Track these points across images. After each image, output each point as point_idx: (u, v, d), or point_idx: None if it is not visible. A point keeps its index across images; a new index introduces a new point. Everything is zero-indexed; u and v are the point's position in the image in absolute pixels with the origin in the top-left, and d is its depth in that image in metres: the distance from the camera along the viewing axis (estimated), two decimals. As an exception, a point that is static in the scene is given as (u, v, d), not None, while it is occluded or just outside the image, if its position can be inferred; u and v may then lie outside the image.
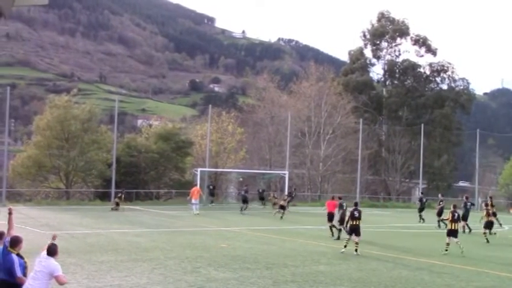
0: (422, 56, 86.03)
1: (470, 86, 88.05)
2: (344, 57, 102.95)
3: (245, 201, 44.59)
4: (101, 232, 27.15)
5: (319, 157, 68.60)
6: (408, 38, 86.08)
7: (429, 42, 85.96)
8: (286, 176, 56.02)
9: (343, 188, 68.38)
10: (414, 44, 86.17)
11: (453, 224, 24.06)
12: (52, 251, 10.05)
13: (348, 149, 68.81)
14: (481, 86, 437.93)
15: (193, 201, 41.57)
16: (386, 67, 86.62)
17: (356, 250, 22.35)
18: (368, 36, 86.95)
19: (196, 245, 23.52)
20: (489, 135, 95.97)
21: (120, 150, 53.35)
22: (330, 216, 28.79)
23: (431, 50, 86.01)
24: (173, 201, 53.08)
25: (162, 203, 51.62)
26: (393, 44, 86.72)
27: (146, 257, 19.61)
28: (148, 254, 20.24)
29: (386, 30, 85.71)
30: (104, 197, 49.89)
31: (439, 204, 37.90)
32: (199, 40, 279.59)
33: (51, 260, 9.93)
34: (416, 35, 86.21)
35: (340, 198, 29.49)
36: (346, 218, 25.06)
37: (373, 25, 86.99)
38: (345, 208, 27.27)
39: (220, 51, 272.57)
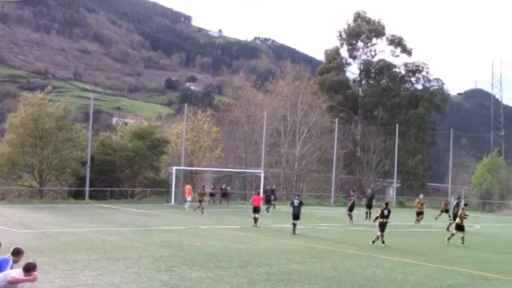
0: (397, 56, 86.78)
1: (445, 87, 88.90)
2: (320, 56, 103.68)
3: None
4: (74, 231, 26.94)
5: (295, 156, 68.73)
6: (384, 38, 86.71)
7: (404, 42, 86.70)
8: (262, 175, 56.07)
9: (318, 187, 68.66)
10: (390, 44, 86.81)
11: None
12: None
13: (323, 148, 69.04)
14: (455, 87, 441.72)
15: (186, 198, 45.34)
16: (362, 67, 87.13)
17: (383, 242, 25.70)
18: (344, 36, 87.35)
19: (171, 243, 23.44)
20: (462, 135, 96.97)
21: (95, 149, 52.95)
22: (256, 209, 33.28)
23: (406, 50, 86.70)
24: (148, 200, 52.83)
25: (136, 202, 51.32)
26: (369, 44, 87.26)
27: (120, 255, 19.49)
28: (122, 253, 20.12)
29: (362, 30, 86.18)
30: (78, 195, 49.50)
31: (350, 200, 39.59)
32: (175, 38, 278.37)
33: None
34: (392, 35, 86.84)
35: (298, 195, 33.28)
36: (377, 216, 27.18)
37: (349, 25, 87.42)
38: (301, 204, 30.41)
39: (197, 50, 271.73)
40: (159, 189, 54.94)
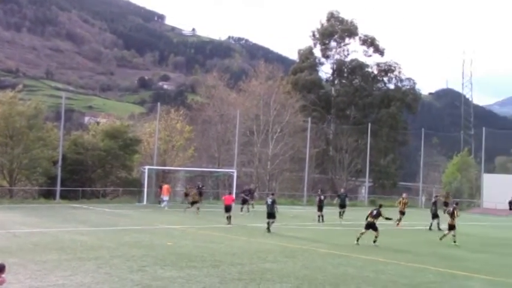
0: (370, 56, 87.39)
1: (416, 86, 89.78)
2: (294, 56, 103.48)
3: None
4: (45, 231, 26.68)
5: (268, 155, 68.85)
6: (357, 38, 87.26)
7: (377, 42, 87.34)
8: (235, 174, 56.10)
9: (291, 186, 68.88)
10: (362, 44, 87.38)
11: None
12: None
13: (296, 147, 69.26)
14: (426, 86, 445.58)
15: (163, 197, 46.16)
16: (335, 66, 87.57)
17: (375, 242, 26.00)
18: (317, 36, 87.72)
19: (143, 243, 23.34)
20: (433, 134, 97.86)
21: (67, 148, 52.49)
22: (227, 208, 34.27)
23: (379, 50, 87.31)
24: (120, 200, 52.51)
25: (108, 201, 51.00)
26: (342, 44, 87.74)
27: (91, 255, 19.36)
28: (93, 253, 19.99)
29: (336, 30, 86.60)
30: (48, 195, 49.00)
31: (318, 199, 39.22)
32: (148, 37, 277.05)
33: None
34: (365, 35, 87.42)
35: (272, 194, 33.87)
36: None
37: (322, 25, 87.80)
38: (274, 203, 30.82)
39: (170, 49, 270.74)
40: (131, 189, 54.65)
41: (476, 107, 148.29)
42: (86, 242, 23.06)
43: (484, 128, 72.11)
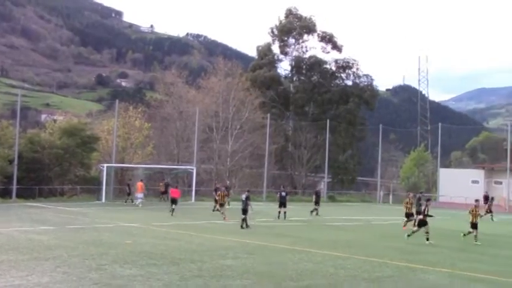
0: (328, 52, 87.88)
1: (374, 83, 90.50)
2: (252, 53, 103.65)
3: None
4: (0, 230, 26.22)
5: (227, 152, 68.86)
6: (315, 34, 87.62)
7: (335, 39, 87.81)
8: (194, 171, 56.02)
9: (251, 183, 68.91)
10: (321, 41, 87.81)
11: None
12: None
13: (255, 144, 69.40)
14: (384, 83, 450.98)
15: (137, 195, 46.30)
16: (293, 63, 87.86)
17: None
18: (276, 33, 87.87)
19: (102, 242, 23.11)
20: (391, 130, 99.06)
21: (23, 146, 51.69)
22: (173, 200, 37.70)
23: (337, 47, 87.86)
24: (78, 198, 51.95)
25: (66, 200, 50.41)
26: (300, 41, 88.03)
27: (49, 255, 19.09)
28: (51, 252, 19.71)
29: (294, 26, 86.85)
30: (4, 194, 48.20)
31: (281, 195, 38.72)
32: (106, 34, 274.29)
33: None
34: (323, 32, 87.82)
35: (248, 191, 32.87)
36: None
37: (281, 21, 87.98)
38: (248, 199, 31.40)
39: (128, 46, 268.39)
40: (89, 187, 54.14)
41: (433, 103, 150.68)
42: (43, 241, 22.73)
43: (440, 124, 73.26)
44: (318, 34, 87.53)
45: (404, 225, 33.23)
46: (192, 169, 56.81)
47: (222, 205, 35.90)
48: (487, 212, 43.91)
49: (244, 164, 70.59)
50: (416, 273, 18.04)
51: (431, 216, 27.00)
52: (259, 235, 27.45)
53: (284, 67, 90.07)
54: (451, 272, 18.43)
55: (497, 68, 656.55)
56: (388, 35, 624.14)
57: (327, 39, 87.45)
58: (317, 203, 42.03)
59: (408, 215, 33.88)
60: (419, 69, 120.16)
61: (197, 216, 37.80)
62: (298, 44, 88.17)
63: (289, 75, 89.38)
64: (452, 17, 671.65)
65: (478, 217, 27.90)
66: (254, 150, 70.09)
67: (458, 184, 67.27)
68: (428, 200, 28.90)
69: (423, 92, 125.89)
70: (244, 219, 30.53)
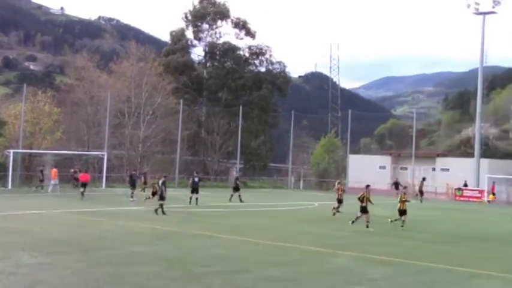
0: (242, 38, 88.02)
1: (287, 69, 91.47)
2: (166, 37, 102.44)
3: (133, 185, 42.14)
4: None
5: (139, 138, 68.18)
6: (229, 20, 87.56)
7: (249, 25, 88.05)
8: (105, 157, 55.26)
9: (163, 169, 68.53)
10: (234, 27, 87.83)
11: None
12: None
13: (168, 129, 69.00)
14: (296, 69, 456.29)
15: (51, 181, 46.02)
16: (207, 49, 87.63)
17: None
18: (189, 18, 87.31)
19: (7, 229, 22.56)
20: (303, 116, 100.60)
21: None
22: (83, 184, 39.60)
23: (250, 33, 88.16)
24: (-17, 185, 50.27)
25: (-30, 187, 48.70)
26: (214, 26, 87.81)
27: (-49, 244, 18.51)
28: (-47, 241, 19.11)
29: (208, 12, 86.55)
30: None
31: (193, 181, 38.71)
32: (13, 15, 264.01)
33: None
34: (237, 18, 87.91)
35: (165, 176, 32.75)
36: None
37: (195, 7, 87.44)
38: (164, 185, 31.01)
39: (37, 28, 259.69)
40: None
41: (343, 90, 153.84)
42: None
43: (350, 111, 75.00)
44: (232, 20, 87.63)
45: (334, 211, 33.53)
46: (103, 155, 56.01)
47: (154, 194, 34.68)
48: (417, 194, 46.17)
49: (157, 149, 70.12)
50: (324, 257, 18.55)
51: (408, 201, 27.89)
52: (171, 221, 27.46)
53: (198, 53, 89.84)
54: (359, 255, 19.02)
55: (404, 57, 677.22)
56: (300, 22, 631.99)
57: (241, 25, 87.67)
58: (237, 188, 42.36)
59: (339, 201, 33.98)
60: (330, 56, 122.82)
61: (108, 202, 37.39)
62: (212, 29, 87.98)
63: (203, 61, 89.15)
64: (362, 6, 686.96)
65: (406, 203, 27.98)
66: (166, 136, 69.68)
67: (367, 170, 69.25)
68: (404, 187, 29.60)
69: (334, 79, 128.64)
70: (161, 205, 30.26)
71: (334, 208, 33.67)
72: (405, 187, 30.60)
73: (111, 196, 43.47)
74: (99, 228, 24.16)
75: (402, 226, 27.44)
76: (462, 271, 16.81)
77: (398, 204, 27.96)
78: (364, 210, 26.98)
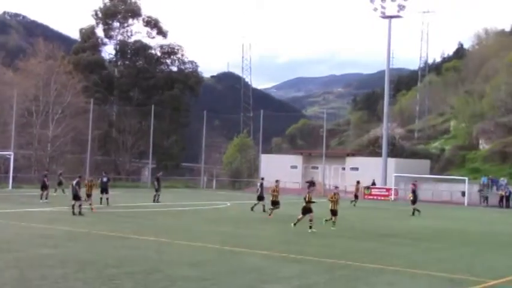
0: (153, 37, 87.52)
1: (199, 69, 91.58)
2: (75, 35, 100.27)
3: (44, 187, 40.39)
4: None
5: (48, 137, 66.52)
6: (140, 19, 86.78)
7: (160, 24, 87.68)
8: (11, 157, 53.55)
9: (73, 169, 67.12)
10: (146, 26, 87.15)
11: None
12: None
13: (78, 129, 67.66)
14: (208, 69, 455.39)
15: None
16: (118, 47, 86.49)
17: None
18: (100, 15, 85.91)
19: None
20: (215, 116, 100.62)
21: None
22: None
23: (162, 32, 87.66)
24: None
25: None
26: (125, 25, 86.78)
27: None
28: None
29: (119, 10, 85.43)
30: None
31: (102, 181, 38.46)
32: None
33: None
34: (148, 17, 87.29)
35: (80, 177, 32.42)
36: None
37: (105, 4, 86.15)
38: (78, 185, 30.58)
39: None
40: None
41: (255, 90, 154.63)
42: None
43: (262, 111, 75.66)
44: (143, 19, 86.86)
45: (270, 214, 33.11)
46: (10, 155, 54.24)
47: (89, 196, 33.40)
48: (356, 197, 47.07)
49: (66, 149, 68.61)
50: (238, 256, 18.61)
51: (314, 202, 27.01)
52: (81, 222, 26.89)
53: (108, 51, 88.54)
54: (272, 254, 19.15)
55: (315, 58, 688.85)
56: (213, 22, 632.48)
57: (152, 24, 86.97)
58: (158, 189, 41.95)
59: (274, 203, 33.56)
60: (242, 56, 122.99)
61: (15, 203, 36.21)
62: (123, 28, 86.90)
63: (114, 59, 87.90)
64: (274, 6, 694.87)
65: (337, 204, 27.74)
66: (76, 136, 68.28)
67: (279, 169, 69.79)
68: (336, 187, 29.18)
69: (246, 80, 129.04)
70: (80, 206, 29.88)
71: (270, 209, 33.37)
72: (337, 187, 30.80)
73: (19, 197, 42.11)
74: (6, 230, 23.37)
75: (333, 227, 27.19)
76: (372, 267, 17.24)
77: (330, 204, 27.70)
78: (306, 210, 26.32)
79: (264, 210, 35.50)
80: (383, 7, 65.39)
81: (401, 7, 65.11)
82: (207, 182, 75.88)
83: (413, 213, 38.55)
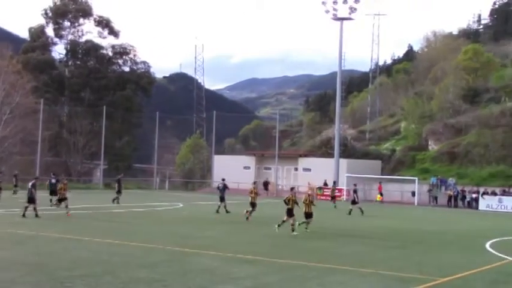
0: (105, 37, 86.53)
1: (151, 69, 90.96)
2: (24, 34, 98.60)
3: None
4: None
5: (-4, 138, 65.23)
6: (91, 18, 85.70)
7: (112, 24, 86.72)
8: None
9: (23, 170, 65.94)
10: (97, 25, 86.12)
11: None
12: None
13: (27, 129, 66.51)
14: (161, 70, 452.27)
15: None
16: (69, 47, 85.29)
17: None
18: (50, 14, 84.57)
19: None
20: (168, 117, 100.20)
21: None
22: None
23: (114, 32, 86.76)
24: None
25: None
26: (76, 24, 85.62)
27: None
28: None
29: (69, 9, 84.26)
30: None
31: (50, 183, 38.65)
32: None
33: None
34: (100, 16, 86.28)
35: (36, 178, 32.31)
36: None
37: (55, 3, 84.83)
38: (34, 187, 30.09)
39: None
40: None
41: (208, 91, 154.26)
42: None
43: (214, 112, 75.62)
44: (95, 18, 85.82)
45: (248, 216, 32.04)
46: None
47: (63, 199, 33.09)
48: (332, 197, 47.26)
49: (15, 150, 67.35)
50: (189, 257, 18.58)
51: (314, 205, 26.80)
52: (30, 224, 26.46)
53: (59, 51, 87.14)
54: (224, 255, 19.18)
55: (268, 60, 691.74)
56: (165, 22, 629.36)
57: (104, 23, 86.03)
58: (119, 191, 41.54)
59: (253, 205, 32.43)
60: (195, 57, 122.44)
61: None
62: (74, 27, 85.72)
63: (65, 59, 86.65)
64: (227, 8, 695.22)
65: (312, 206, 26.77)
66: (26, 137, 67.13)
67: (231, 170, 69.89)
68: (292, 188, 27.78)
69: (199, 80, 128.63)
70: (35, 209, 29.53)
71: (247, 212, 32.16)
72: (293, 188, 30.14)
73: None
74: (-49, 233, 22.86)
75: (306, 229, 26.53)
76: (322, 267, 17.43)
77: (304, 207, 26.63)
78: (290, 213, 25.68)
79: (226, 212, 35.64)
80: (335, 9, 66.00)
81: (352, 9, 65.85)
82: (159, 183, 75.47)
83: (349, 213, 38.84)
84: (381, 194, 59.91)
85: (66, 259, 17.45)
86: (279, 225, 26.06)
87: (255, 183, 35.91)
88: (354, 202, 39.91)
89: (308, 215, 26.56)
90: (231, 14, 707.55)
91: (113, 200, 40.68)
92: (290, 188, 28.23)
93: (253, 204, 32.37)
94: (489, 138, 64.44)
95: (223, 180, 38.78)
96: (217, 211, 36.21)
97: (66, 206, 32.57)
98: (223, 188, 37.10)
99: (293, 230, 25.42)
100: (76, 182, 70.62)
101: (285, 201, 26.12)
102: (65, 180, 35.93)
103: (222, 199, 36.47)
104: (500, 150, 63.36)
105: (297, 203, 26.00)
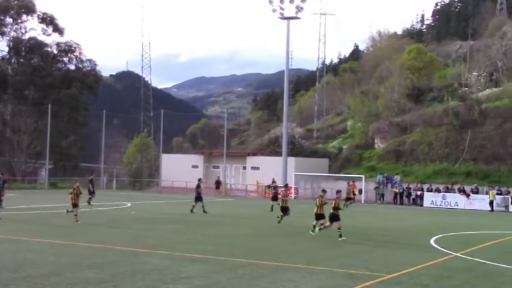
0: (49, 35, 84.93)
1: (97, 68, 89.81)
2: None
3: None
4: None
5: None
6: (35, 15, 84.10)
7: (56, 21, 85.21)
8: None
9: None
10: (41, 22, 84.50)
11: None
12: None
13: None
14: (107, 68, 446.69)
15: None
16: (11, 44, 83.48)
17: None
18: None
19: None
20: (115, 116, 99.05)
21: None
22: None
23: (58, 30, 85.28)
24: None
25: None
26: (19, 21, 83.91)
27: None
28: None
29: (11, 5, 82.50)
30: None
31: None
32: None
33: None
34: (44, 13, 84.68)
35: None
36: None
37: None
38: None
39: None
40: None
41: (156, 89, 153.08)
42: None
43: (162, 110, 75.11)
44: (38, 15, 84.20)
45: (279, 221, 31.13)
46: None
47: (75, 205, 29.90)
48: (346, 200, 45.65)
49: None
50: (138, 257, 18.41)
51: (340, 209, 26.01)
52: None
53: (1, 48, 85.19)
54: (173, 254, 19.11)
55: (215, 58, 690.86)
56: (112, 20, 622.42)
57: (48, 20, 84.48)
58: (92, 192, 40.85)
59: (284, 209, 31.36)
60: (142, 55, 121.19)
61: None
62: (17, 24, 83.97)
63: (7, 56, 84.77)
64: (174, 6, 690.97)
65: (323, 207, 25.81)
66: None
67: (180, 169, 69.68)
68: (338, 191, 26.58)
69: (146, 79, 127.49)
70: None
71: (279, 217, 31.23)
72: (275, 186, 29.03)
73: None
74: None
75: (320, 229, 25.74)
76: (273, 265, 17.50)
77: (315, 209, 25.89)
78: (334, 218, 25.04)
79: (204, 211, 35.47)
80: (281, 8, 66.28)
81: (299, 9, 66.23)
82: (106, 182, 74.58)
83: (271, 209, 38.59)
84: (354, 194, 56.86)
85: (11, 260, 17.09)
86: (319, 229, 25.64)
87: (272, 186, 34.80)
88: (275, 199, 39.78)
89: (319, 217, 25.80)
90: (178, 12, 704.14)
91: (88, 202, 40.00)
92: (322, 190, 27.94)
93: (284, 209, 31.45)
94: (433, 136, 65.66)
95: (199, 180, 38.70)
96: (192, 211, 35.95)
97: (75, 215, 29.43)
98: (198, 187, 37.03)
99: (340, 236, 24.51)
100: (21, 182, 69.21)
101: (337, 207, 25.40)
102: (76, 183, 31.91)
103: (198, 199, 36.30)
104: (444, 148, 64.59)
105: (340, 209, 25.76)
